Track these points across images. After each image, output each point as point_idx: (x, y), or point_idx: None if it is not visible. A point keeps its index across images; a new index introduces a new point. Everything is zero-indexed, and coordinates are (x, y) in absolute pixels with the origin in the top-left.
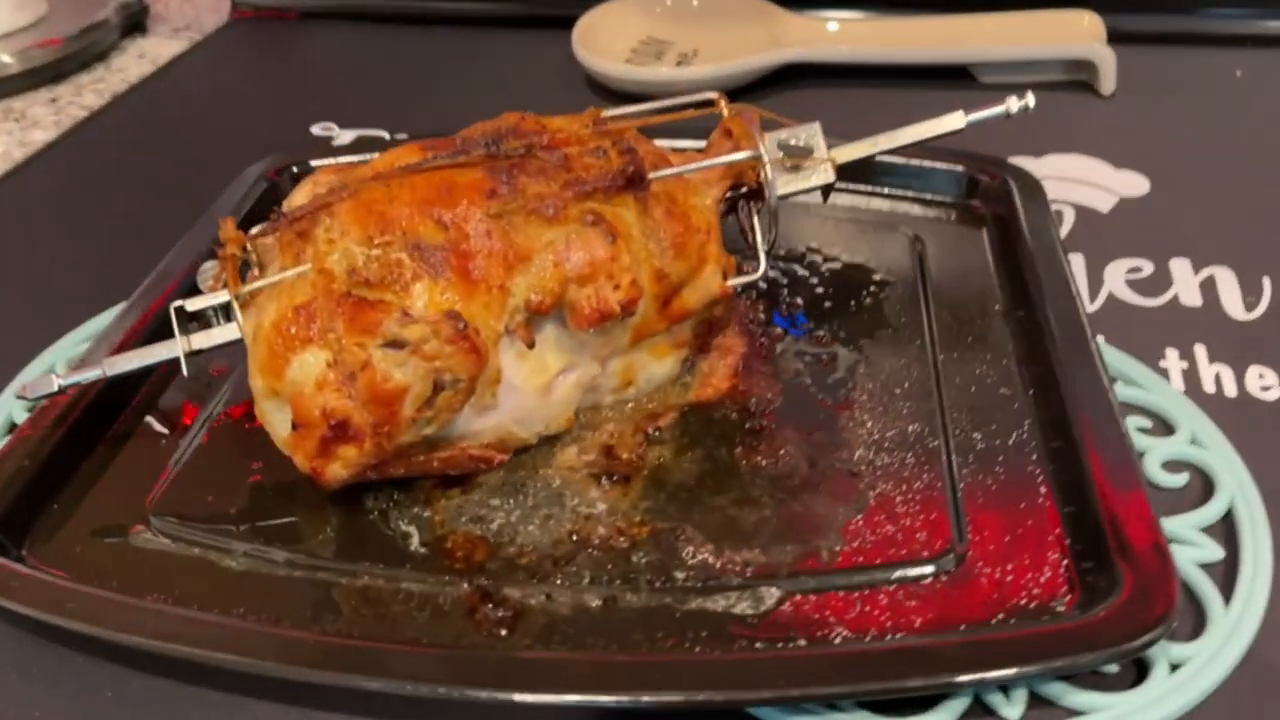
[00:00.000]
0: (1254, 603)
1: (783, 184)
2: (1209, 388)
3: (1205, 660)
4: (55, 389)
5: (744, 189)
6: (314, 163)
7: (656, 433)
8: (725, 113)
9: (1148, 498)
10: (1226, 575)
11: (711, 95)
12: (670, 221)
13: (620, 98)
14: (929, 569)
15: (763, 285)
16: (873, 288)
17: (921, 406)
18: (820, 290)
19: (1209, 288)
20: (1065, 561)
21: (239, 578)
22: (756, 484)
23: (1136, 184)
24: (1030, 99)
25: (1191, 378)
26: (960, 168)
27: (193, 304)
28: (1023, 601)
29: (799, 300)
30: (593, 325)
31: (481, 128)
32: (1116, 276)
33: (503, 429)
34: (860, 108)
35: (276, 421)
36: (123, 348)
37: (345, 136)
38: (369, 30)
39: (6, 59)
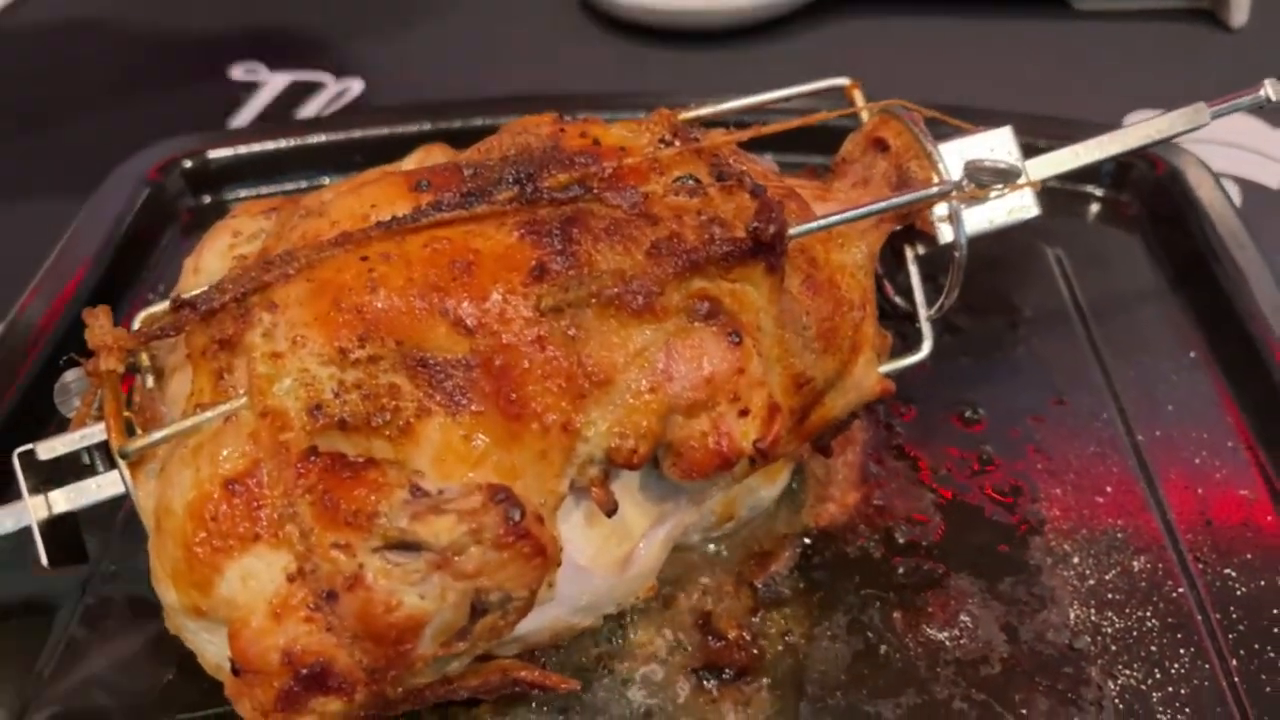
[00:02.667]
0: None
1: (973, 223)
2: None
3: None
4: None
5: (900, 226)
6: (214, 154)
7: (769, 586)
8: (865, 114)
9: None
10: None
11: (841, 83)
12: (814, 296)
13: (627, 30)
14: None
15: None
16: (1021, 331)
17: (1140, 526)
18: (950, 340)
19: None
20: None
21: None
22: (940, 675)
23: None
24: None
25: None
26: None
27: (49, 449)
28: None
29: (926, 361)
30: (709, 475)
31: (500, 145)
32: None
33: (559, 623)
34: (926, 42)
35: (205, 647)
36: None
37: (276, 82)
38: None
39: None
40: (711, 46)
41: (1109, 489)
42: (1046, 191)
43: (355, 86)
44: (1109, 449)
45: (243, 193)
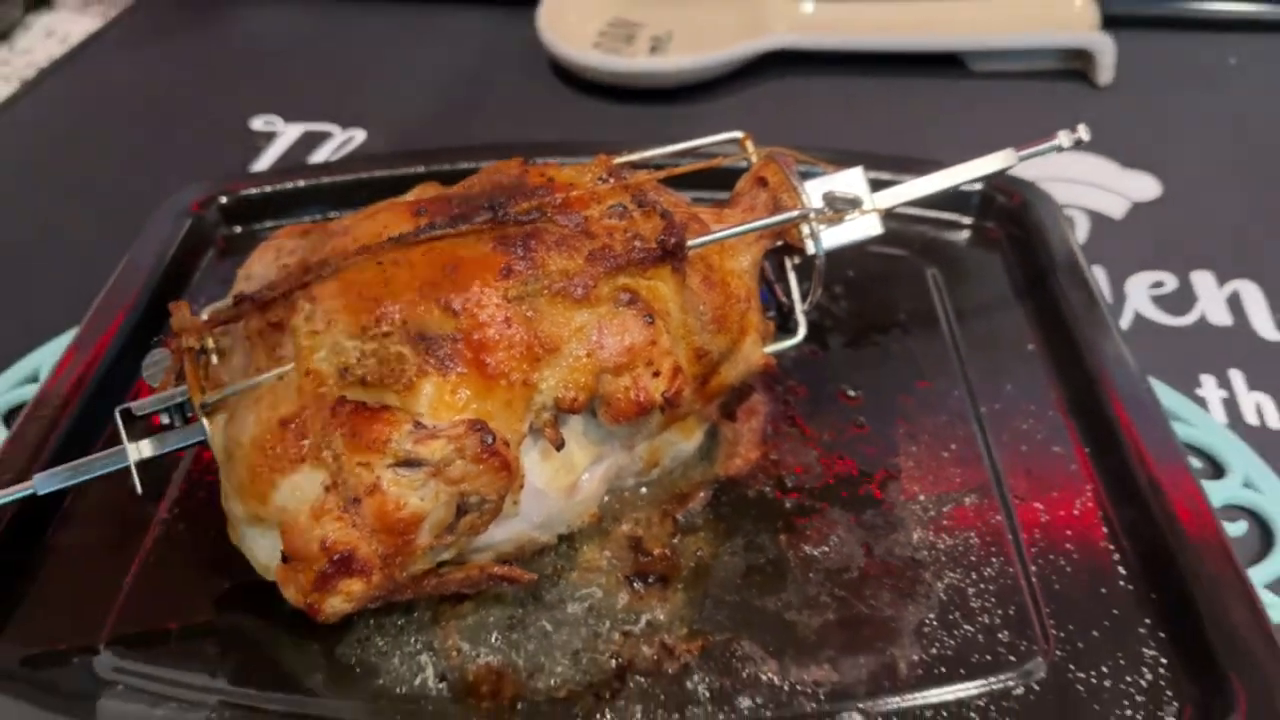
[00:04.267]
0: None
1: (829, 239)
2: (1251, 419)
3: None
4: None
5: (780, 243)
6: (243, 192)
7: (687, 518)
8: (754, 157)
9: (1249, 580)
10: None
11: (736, 136)
12: (709, 291)
13: (589, 87)
14: (1016, 678)
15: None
16: (896, 330)
17: (973, 474)
18: (841, 337)
19: (1235, 304)
20: (1163, 661)
21: None
22: (811, 579)
23: (1146, 186)
24: (1083, 132)
25: (1232, 408)
26: (978, 186)
27: (142, 406)
28: (1128, 712)
29: (815, 348)
30: (631, 419)
31: (480, 184)
32: (1139, 292)
33: (523, 536)
34: (849, 99)
35: (259, 549)
36: (46, 445)
37: (290, 132)
38: (301, 8)
39: None
40: (661, 102)
41: (954, 446)
42: (928, 220)
43: (358, 135)
44: (957, 418)
45: (268, 223)
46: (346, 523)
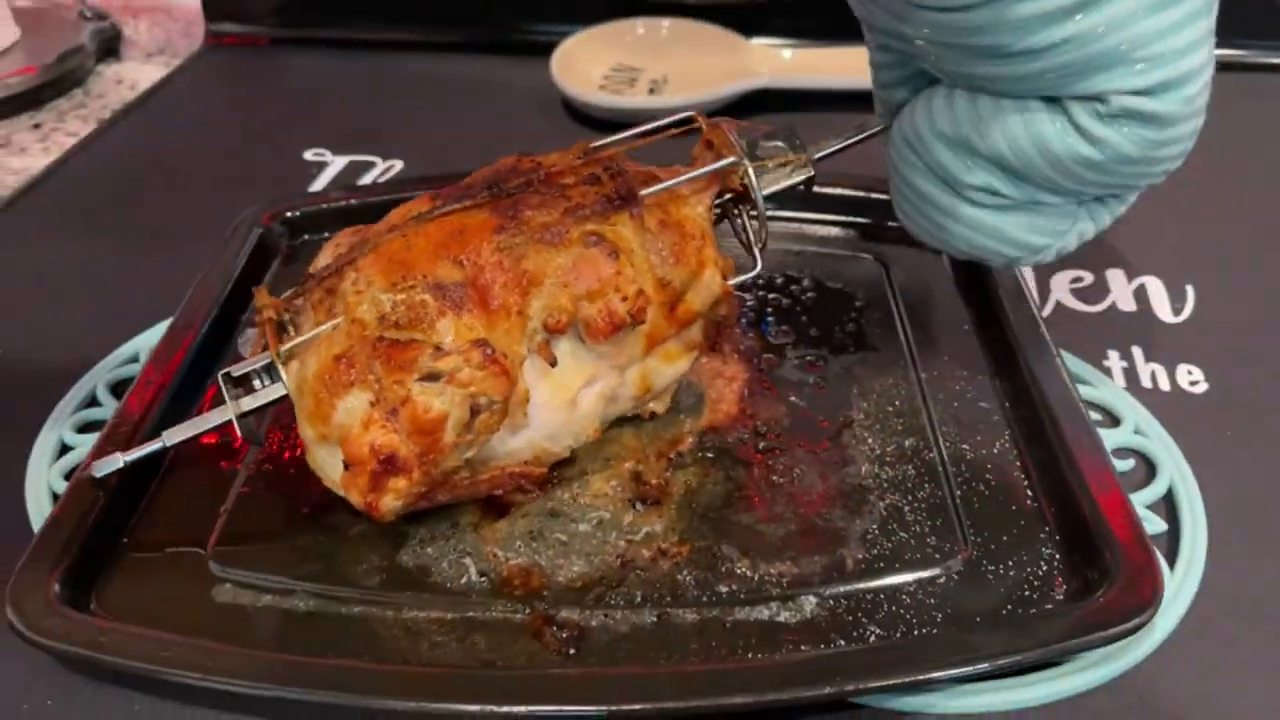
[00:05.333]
0: (1194, 567)
1: (766, 184)
2: (1146, 384)
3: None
4: (121, 465)
5: (730, 194)
6: (304, 209)
7: (678, 457)
8: (705, 128)
9: (1125, 495)
10: (1169, 544)
11: (690, 114)
12: (665, 232)
13: (596, 123)
14: (940, 570)
15: (754, 297)
16: (853, 313)
17: (913, 423)
18: (805, 319)
19: (1141, 295)
20: (1057, 555)
21: (308, 618)
22: (778, 501)
23: None
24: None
25: (1131, 375)
26: None
27: (238, 369)
28: (1025, 593)
29: (786, 328)
30: (607, 337)
31: (484, 174)
32: (1062, 286)
33: (537, 445)
34: (820, 132)
35: (329, 466)
36: (152, 411)
37: (338, 162)
38: (346, 55)
39: None
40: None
41: (897, 403)
42: (886, 230)
43: (397, 164)
44: (901, 381)
45: (325, 233)
46: (389, 429)
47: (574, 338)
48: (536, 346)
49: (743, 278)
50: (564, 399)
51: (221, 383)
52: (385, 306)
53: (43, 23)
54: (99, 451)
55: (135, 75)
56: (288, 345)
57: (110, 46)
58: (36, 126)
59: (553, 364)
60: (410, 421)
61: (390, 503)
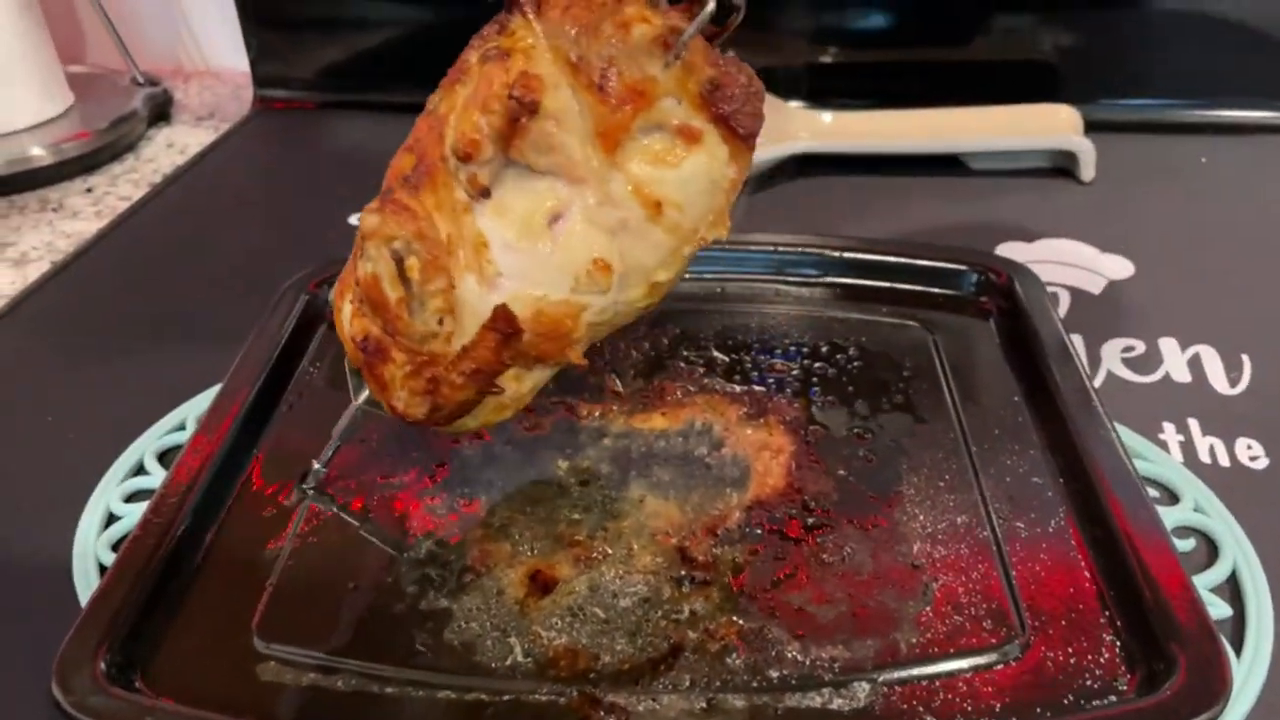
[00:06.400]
0: (1260, 655)
1: None
2: (1204, 458)
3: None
4: (323, 469)
5: None
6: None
7: (725, 533)
8: None
9: (1189, 579)
10: (1234, 629)
11: None
12: (571, 11)
13: None
14: (997, 656)
15: (799, 366)
16: (900, 383)
17: (965, 499)
18: (852, 389)
19: (1195, 365)
20: (1119, 643)
21: (352, 698)
22: (828, 580)
23: (1122, 267)
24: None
25: (1188, 450)
26: (965, 266)
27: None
28: (1087, 683)
29: (833, 398)
30: (516, 139)
31: None
32: (1113, 355)
33: (527, 298)
34: (863, 194)
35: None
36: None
37: None
38: (391, 119)
39: (38, 151)
40: None
41: (948, 477)
42: (931, 296)
43: None
44: (951, 455)
45: None
46: (363, 316)
47: (513, 169)
48: (467, 183)
49: (693, 26)
50: (530, 231)
51: (350, 375)
52: (373, 251)
53: (97, 89)
54: (144, 525)
55: (185, 139)
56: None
57: (162, 111)
58: (89, 190)
59: (485, 194)
60: (364, 296)
61: (405, 398)
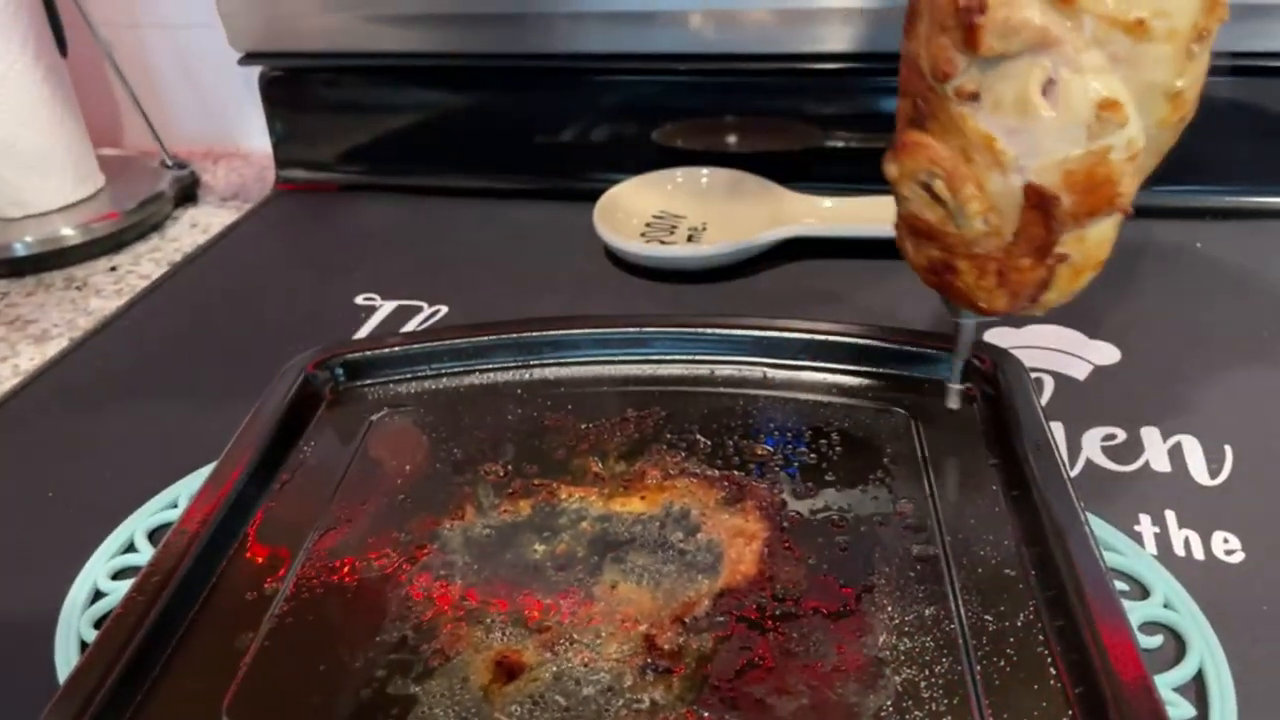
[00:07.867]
0: None
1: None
2: (1179, 551)
3: None
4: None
5: None
6: (349, 357)
7: (693, 621)
8: None
9: (1151, 679)
10: None
11: None
12: None
13: (637, 269)
14: None
15: (780, 452)
16: (879, 470)
17: (935, 590)
18: (831, 476)
19: (1177, 454)
20: None
21: None
22: (790, 671)
23: (1109, 353)
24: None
25: (1163, 541)
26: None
27: None
28: None
29: (811, 484)
30: (979, 39)
31: None
32: (1093, 443)
33: (1050, 166)
34: (858, 277)
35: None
36: (184, 561)
37: (387, 306)
38: (406, 201)
39: (69, 231)
40: (700, 281)
41: (919, 567)
42: (917, 380)
43: (443, 309)
44: (925, 544)
45: (367, 380)
46: (920, 248)
47: (994, 61)
48: (954, 95)
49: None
50: (1029, 112)
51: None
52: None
53: (127, 170)
54: (126, 604)
55: (209, 219)
56: None
57: (189, 193)
58: (113, 269)
59: (975, 98)
60: (913, 231)
61: (986, 297)
